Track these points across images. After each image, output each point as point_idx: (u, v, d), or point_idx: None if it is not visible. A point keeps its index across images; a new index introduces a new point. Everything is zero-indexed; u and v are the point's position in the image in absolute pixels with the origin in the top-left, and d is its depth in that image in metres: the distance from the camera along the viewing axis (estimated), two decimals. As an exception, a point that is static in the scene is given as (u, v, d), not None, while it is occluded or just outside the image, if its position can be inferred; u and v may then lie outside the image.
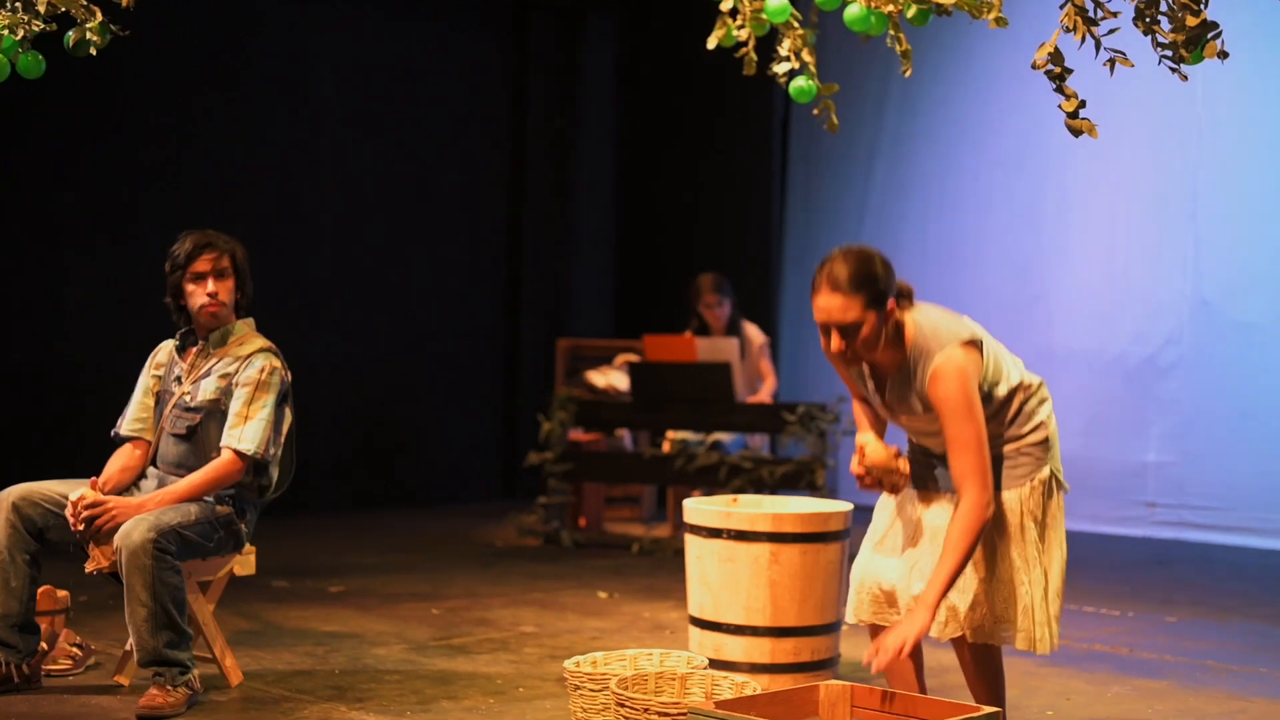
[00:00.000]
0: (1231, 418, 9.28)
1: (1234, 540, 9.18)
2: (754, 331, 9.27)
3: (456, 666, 5.65)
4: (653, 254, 11.61)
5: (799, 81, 5.11)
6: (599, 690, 4.15)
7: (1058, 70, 4.01)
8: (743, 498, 5.84)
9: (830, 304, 3.94)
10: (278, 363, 5.26)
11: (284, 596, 6.99)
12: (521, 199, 11.21)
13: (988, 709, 3.75)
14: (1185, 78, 4.03)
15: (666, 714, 3.88)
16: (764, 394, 9.08)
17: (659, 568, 8.10)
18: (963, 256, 10.45)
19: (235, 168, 9.58)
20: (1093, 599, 7.36)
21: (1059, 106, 4.09)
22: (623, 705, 3.94)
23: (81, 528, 4.97)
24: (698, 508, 5.55)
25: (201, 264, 5.21)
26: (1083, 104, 4.00)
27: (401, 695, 5.18)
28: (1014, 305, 10.19)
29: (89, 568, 5.02)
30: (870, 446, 4.23)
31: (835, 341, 3.97)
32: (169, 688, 4.87)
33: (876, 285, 3.94)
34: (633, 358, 9.40)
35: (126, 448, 5.35)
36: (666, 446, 8.99)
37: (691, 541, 5.57)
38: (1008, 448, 4.15)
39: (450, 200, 10.83)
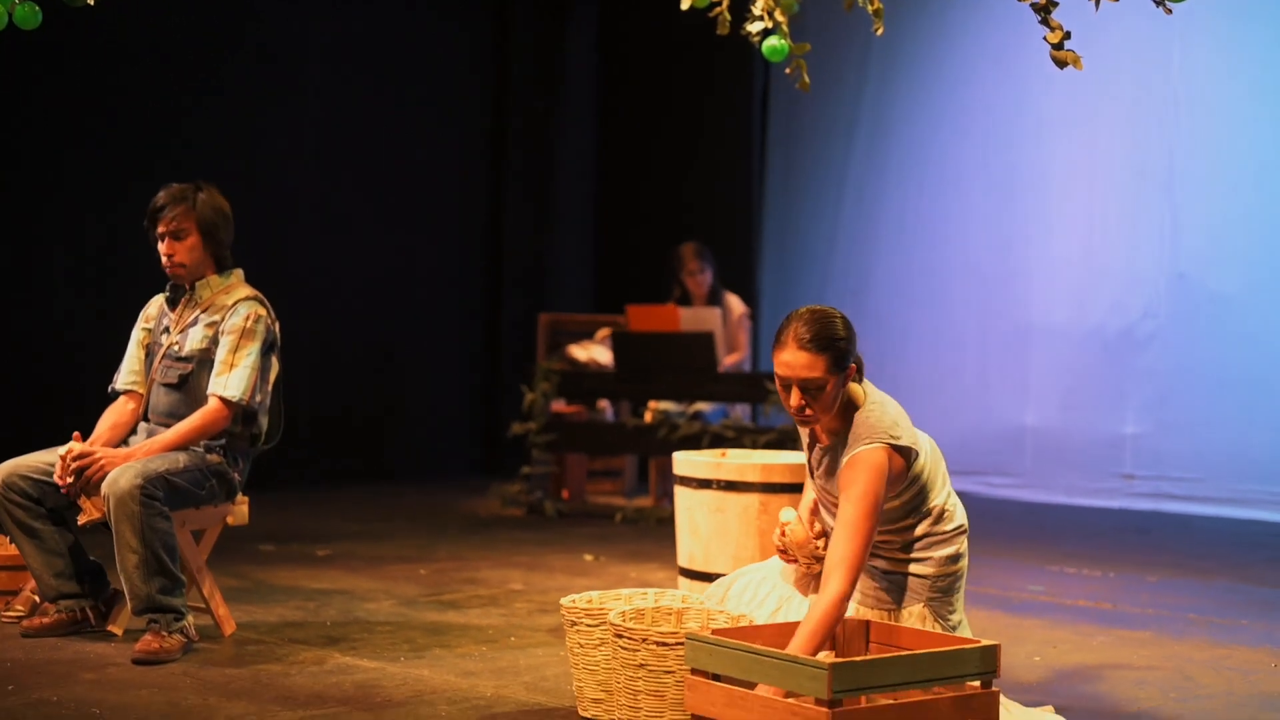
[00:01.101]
0: (1209, 388, 9.36)
1: (1212, 510, 9.25)
2: (735, 301, 9.32)
3: (448, 619, 5.68)
4: (633, 231, 11.64)
5: (772, 41, 5.15)
6: (596, 625, 4.18)
7: (1043, 2, 4.06)
8: (731, 452, 5.89)
9: (796, 360, 3.95)
10: (263, 311, 5.28)
11: (271, 559, 7.01)
12: (503, 176, 11.23)
13: (989, 641, 3.82)
14: (1169, 11, 4.08)
15: (665, 643, 3.92)
16: (729, 361, 9.10)
17: (643, 535, 8.15)
18: (942, 232, 10.51)
19: (219, 142, 9.56)
20: (1073, 562, 7.44)
21: (1044, 39, 4.14)
22: (621, 636, 3.98)
23: (70, 480, 4.99)
24: (688, 459, 5.60)
25: (161, 225, 5.24)
26: (1067, 35, 4.05)
27: (394, 644, 5.21)
28: (993, 279, 10.26)
29: (81, 520, 5.04)
30: (791, 526, 4.21)
31: (795, 398, 3.98)
32: (164, 634, 4.89)
33: (840, 347, 3.98)
34: (609, 332, 9.44)
35: (118, 403, 5.36)
36: (648, 417, 9.02)
37: (681, 493, 5.62)
38: (884, 561, 4.11)
39: (432, 177, 10.84)
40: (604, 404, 9.75)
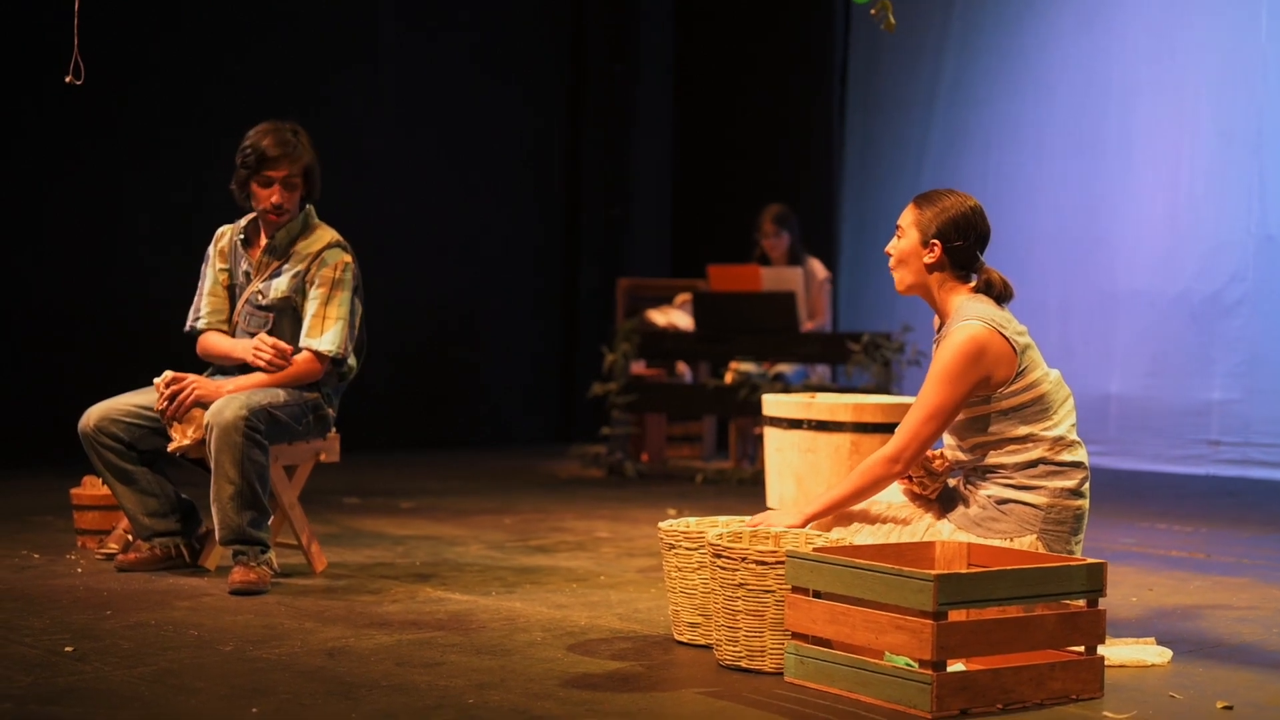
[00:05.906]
0: (1299, 353, 9.22)
1: (1301, 477, 9.11)
2: (817, 266, 9.25)
3: (536, 562, 5.67)
4: (710, 195, 11.59)
5: (857, -19, 5.10)
6: (695, 548, 4.15)
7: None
8: (820, 395, 5.84)
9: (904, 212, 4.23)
10: (348, 257, 5.29)
11: (356, 510, 7.03)
12: (580, 140, 11.22)
13: (1093, 559, 3.76)
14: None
15: (764, 562, 3.88)
16: (809, 326, 9.02)
17: (725, 494, 8.10)
18: (1025, 198, 10.39)
19: (296, 107, 9.58)
20: (1163, 520, 7.34)
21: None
22: (720, 556, 3.95)
23: (164, 405, 5.01)
24: (778, 399, 5.56)
25: (272, 171, 5.20)
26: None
27: (485, 582, 5.20)
28: (1077, 246, 10.13)
29: (171, 447, 5.05)
30: None
31: (891, 242, 4.22)
32: (251, 565, 4.90)
33: (940, 216, 4.11)
34: (687, 297, 9.40)
35: (212, 335, 5.34)
36: (729, 378, 8.97)
37: (771, 434, 5.58)
38: (998, 487, 4.05)
39: (509, 141, 10.84)
40: (683, 368, 9.72)
